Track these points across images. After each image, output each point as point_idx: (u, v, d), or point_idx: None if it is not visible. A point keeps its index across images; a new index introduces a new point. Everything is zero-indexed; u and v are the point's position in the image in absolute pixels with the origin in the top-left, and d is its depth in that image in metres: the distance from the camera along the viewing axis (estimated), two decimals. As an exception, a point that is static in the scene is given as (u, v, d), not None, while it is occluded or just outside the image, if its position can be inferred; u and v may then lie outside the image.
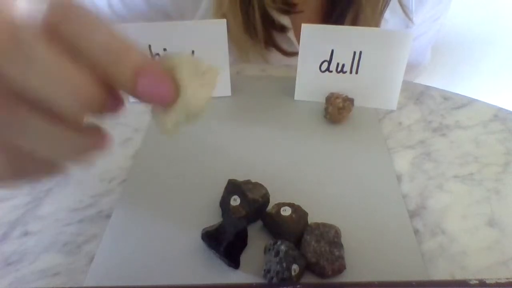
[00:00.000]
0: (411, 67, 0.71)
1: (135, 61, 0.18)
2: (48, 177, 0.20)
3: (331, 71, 0.51)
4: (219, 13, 0.54)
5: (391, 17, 0.60)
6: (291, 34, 0.60)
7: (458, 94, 0.56)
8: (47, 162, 0.20)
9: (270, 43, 0.60)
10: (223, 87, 0.53)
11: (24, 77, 0.16)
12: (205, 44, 0.49)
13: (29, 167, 0.19)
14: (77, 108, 0.17)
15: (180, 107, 0.20)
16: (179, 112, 0.20)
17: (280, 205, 0.36)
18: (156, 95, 0.19)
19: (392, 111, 0.52)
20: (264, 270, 0.32)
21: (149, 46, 0.48)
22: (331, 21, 0.59)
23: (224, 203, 0.37)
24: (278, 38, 0.60)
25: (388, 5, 0.57)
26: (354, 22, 0.58)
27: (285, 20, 0.58)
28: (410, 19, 0.60)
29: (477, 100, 0.55)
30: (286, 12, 0.57)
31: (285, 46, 0.61)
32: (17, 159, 0.19)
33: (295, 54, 0.60)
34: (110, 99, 0.19)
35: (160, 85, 0.19)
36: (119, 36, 0.18)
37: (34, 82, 0.16)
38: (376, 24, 0.58)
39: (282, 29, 0.59)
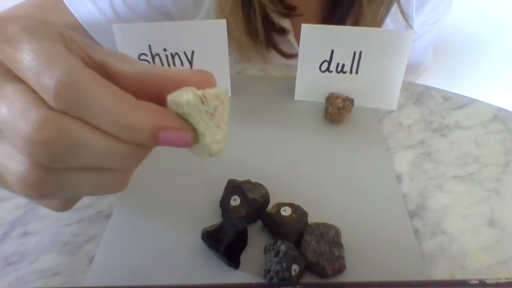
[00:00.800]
0: (412, 68, 0.71)
1: (149, 122, 0.19)
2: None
3: (331, 71, 0.51)
4: (221, 16, 0.54)
5: (391, 23, 0.61)
6: (291, 37, 0.60)
7: (458, 94, 0.56)
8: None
9: (271, 45, 0.60)
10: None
11: (76, 160, 0.19)
12: (205, 44, 0.49)
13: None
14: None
15: (202, 148, 0.22)
16: (202, 150, 0.22)
17: (280, 205, 0.36)
18: (177, 144, 0.20)
19: (392, 111, 0.52)
20: (264, 270, 0.32)
21: (149, 46, 0.48)
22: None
23: (224, 203, 0.37)
24: (279, 40, 0.60)
25: (389, 12, 0.57)
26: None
27: (285, 23, 0.59)
28: (410, 26, 0.60)
29: (477, 100, 0.55)
30: (287, 15, 0.57)
31: (285, 48, 0.61)
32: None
33: (295, 56, 0.61)
34: None
35: (178, 136, 0.20)
36: (126, 99, 0.19)
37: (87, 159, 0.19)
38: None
39: (283, 31, 0.59)
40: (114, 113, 0.19)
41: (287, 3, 0.56)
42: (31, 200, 0.20)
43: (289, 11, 0.56)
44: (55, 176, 0.19)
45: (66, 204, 0.24)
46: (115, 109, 0.19)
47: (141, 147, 0.20)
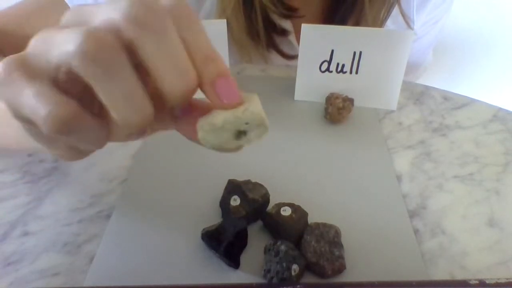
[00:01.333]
0: (413, 68, 0.71)
1: (220, 67, 0.21)
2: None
3: (331, 71, 0.51)
4: (223, 16, 0.54)
5: (391, 25, 0.61)
6: (292, 38, 0.60)
7: (458, 94, 0.56)
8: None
9: (271, 46, 0.60)
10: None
11: (150, 49, 0.19)
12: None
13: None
14: (178, 91, 0.20)
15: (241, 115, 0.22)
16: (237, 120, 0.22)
17: (280, 205, 0.36)
18: (228, 94, 0.22)
19: (392, 111, 0.52)
20: (264, 270, 0.32)
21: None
22: None
23: (224, 203, 0.37)
24: (279, 41, 0.60)
25: (390, 14, 0.57)
26: None
27: (286, 24, 0.59)
28: (411, 29, 0.60)
29: (477, 100, 0.55)
30: (287, 16, 0.57)
31: (286, 49, 0.61)
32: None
33: (295, 57, 0.61)
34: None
35: (233, 88, 0.22)
36: (211, 43, 0.21)
37: (157, 56, 0.19)
38: None
39: (284, 32, 0.59)
40: (206, 40, 0.21)
41: (287, 5, 0.56)
42: (57, 134, 0.19)
43: (290, 13, 0.57)
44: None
45: (78, 152, 0.24)
46: (206, 42, 0.21)
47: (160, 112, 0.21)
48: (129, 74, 0.19)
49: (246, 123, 0.22)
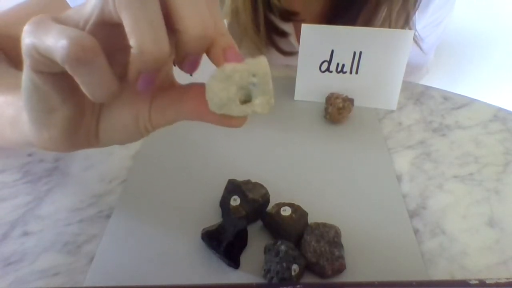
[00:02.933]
0: (414, 69, 0.71)
1: (232, 42, 0.23)
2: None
3: (331, 71, 0.51)
4: (234, 12, 0.55)
5: None
6: (293, 39, 0.61)
7: (458, 94, 0.56)
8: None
9: (271, 44, 0.60)
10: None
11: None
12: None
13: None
14: (197, 34, 0.21)
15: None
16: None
17: (280, 205, 0.36)
18: (236, 60, 0.23)
19: (392, 111, 0.52)
20: (264, 270, 0.32)
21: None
22: None
23: (224, 203, 0.37)
24: (280, 41, 0.61)
25: (410, 19, 0.57)
26: None
27: (287, 26, 0.59)
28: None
29: (477, 100, 0.55)
30: (288, 20, 0.58)
31: (285, 47, 0.61)
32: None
33: (294, 53, 0.61)
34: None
35: (240, 58, 0.23)
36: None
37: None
38: None
39: (284, 34, 0.60)
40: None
41: (287, 9, 0.56)
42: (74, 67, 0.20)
43: (290, 16, 0.57)
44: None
45: (73, 133, 0.26)
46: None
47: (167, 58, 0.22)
48: (155, 5, 0.20)
49: (254, 76, 0.23)
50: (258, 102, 0.24)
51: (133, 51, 0.20)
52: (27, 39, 0.21)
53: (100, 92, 0.22)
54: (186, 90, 0.25)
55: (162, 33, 0.21)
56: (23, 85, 0.24)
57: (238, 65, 0.23)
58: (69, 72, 0.21)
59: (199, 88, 0.24)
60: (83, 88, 0.21)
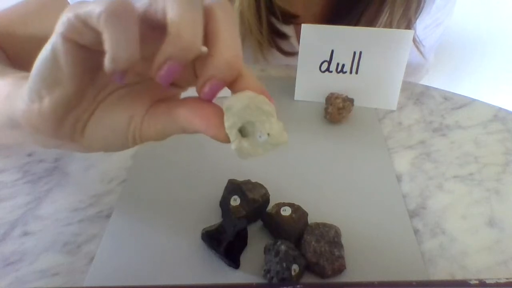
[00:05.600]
0: (414, 70, 0.71)
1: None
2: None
3: (331, 71, 0.51)
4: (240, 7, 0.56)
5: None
6: (293, 40, 0.61)
7: (458, 94, 0.56)
8: None
9: (272, 44, 0.61)
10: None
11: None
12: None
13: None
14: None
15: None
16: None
17: (280, 205, 0.36)
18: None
19: (392, 111, 0.52)
20: (264, 270, 0.32)
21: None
22: None
23: (224, 203, 0.37)
24: (280, 42, 0.61)
25: (415, 20, 0.58)
26: None
27: (287, 29, 0.59)
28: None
29: (477, 100, 0.55)
30: (289, 22, 0.58)
31: (286, 48, 0.62)
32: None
33: (294, 54, 0.61)
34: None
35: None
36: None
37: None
38: None
39: (285, 36, 0.60)
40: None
41: (289, 12, 0.56)
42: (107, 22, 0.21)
43: (291, 19, 0.57)
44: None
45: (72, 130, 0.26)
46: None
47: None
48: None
49: (268, 134, 0.26)
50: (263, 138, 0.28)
51: (169, 35, 0.21)
52: (69, 11, 0.22)
53: (122, 52, 0.22)
54: (182, 101, 0.26)
55: (200, 23, 0.22)
56: (41, 54, 0.24)
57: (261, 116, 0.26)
58: (102, 27, 0.21)
59: (194, 99, 0.25)
60: (108, 46, 0.22)
